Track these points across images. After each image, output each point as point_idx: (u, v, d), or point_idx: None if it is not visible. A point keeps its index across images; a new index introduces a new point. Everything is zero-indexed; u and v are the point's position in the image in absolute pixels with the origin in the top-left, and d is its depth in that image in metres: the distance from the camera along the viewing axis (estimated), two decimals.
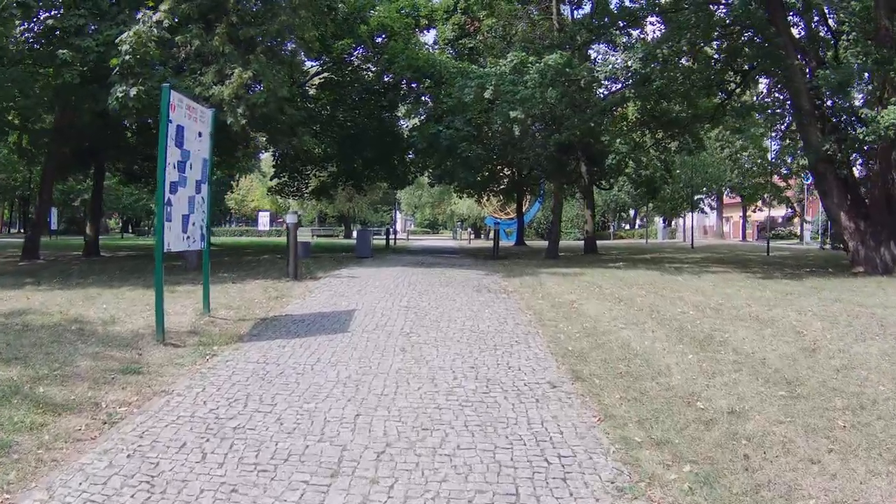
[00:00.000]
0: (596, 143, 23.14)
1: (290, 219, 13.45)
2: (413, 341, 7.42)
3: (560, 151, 20.55)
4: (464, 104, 18.51)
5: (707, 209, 51.61)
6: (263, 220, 62.57)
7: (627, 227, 72.95)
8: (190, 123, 7.69)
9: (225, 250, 28.92)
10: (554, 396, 5.47)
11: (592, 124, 18.30)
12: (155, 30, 12.57)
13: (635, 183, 30.21)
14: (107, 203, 51.96)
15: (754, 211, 62.77)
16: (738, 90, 25.81)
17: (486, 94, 16.71)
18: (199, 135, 8.07)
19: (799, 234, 62.72)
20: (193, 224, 8.01)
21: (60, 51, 13.57)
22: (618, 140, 25.86)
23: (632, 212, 69.15)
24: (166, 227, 7.10)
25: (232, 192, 78.19)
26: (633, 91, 17.90)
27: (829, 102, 18.38)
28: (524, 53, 17.24)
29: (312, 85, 28.85)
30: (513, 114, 15.86)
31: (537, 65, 16.18)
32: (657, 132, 27.00)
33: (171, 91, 7.14)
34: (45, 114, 18.90)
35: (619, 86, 23.41)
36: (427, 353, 6.89)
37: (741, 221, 63.54)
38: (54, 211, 49.73)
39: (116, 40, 12.65)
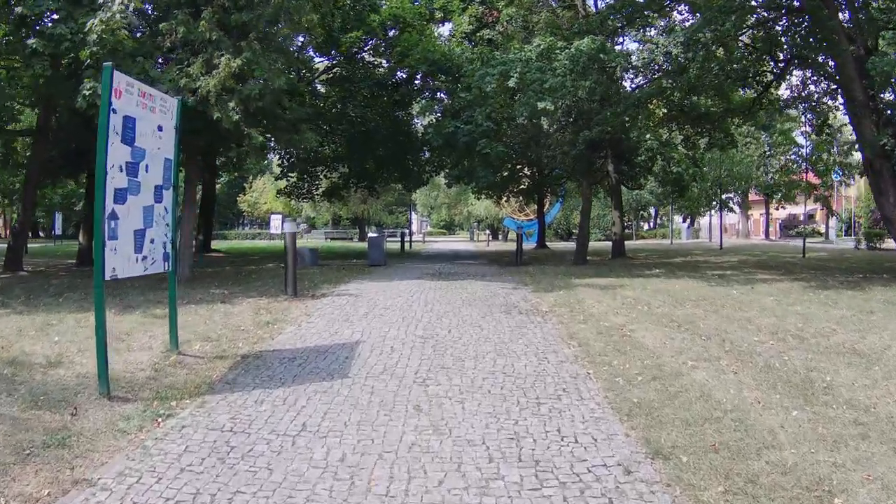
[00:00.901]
0: (625, 139, 21.36)
1: (287, 227, 11.76)
2: (431, 393, 5.72)
3: (589, 149, 18.76)
4: (484, 95, 16.78)
5: (736, 207, 49.55)
6: (275, 223, 60.99)
7: (646, 226, 70.74)
8: (145, 114, 6.04)
9: (229, 257, 27.43)
10: (632, 492, 3.78)
11: (627, 118, 16.49)
12: (118, 16, 10.95)
13: (663, 181, 28.35)
14: None
15: (777, 208, 60.89)
16: (773, 82, 24.05)
17: (511, 83, 14.91)
18: (160, 129, 6.40)
19: (823, 231, 60.78)
20: (153, 241, 6.33)
21: (30, 40, 12.02)
22: (648, 136, 24.12)
23: (651, 210, 66.89)
24: (108, 247, 5.43)
25: (245, 195, 76.95)
26: (670, 81, 16.08)
27: (884, 94, 16.74)
28: (552, 38, 15.48)
29: (322, 81, 27.30)
30: (541, 105, 14.06)
31: (567, 50, 14.39)
32: (685, 128, 25.27)
33: (116, 72, 5.50)
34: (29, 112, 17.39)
35: (647, 77, 21.73)
36: (449, 412, 5.19)
37: (762, 219, 61.65)
38: (59, 216, 48.81)
39: (86, 28, 11.08)
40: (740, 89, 24.53)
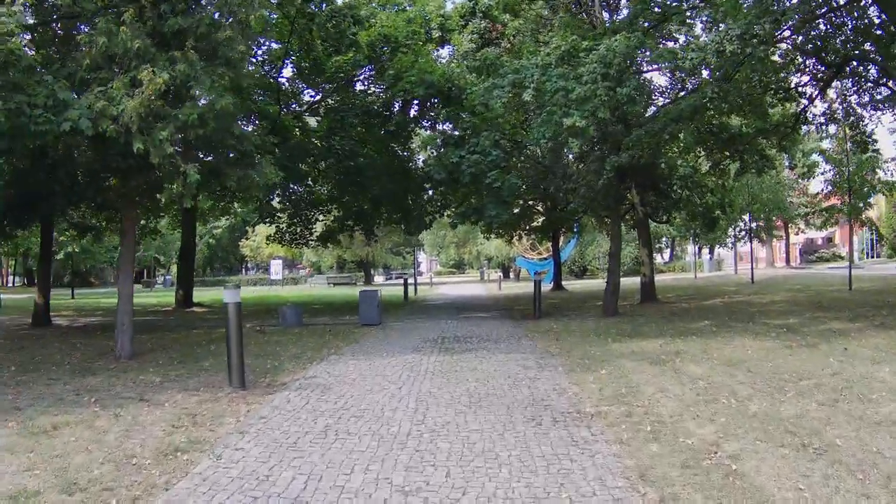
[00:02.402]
0: (654, 167, 18.36)
1: (227, 296, 8.62)
2: None
3: (617, 178, 15.68)
4: (492, 116, 13.78)
5: (763, 236, 46.32)
6: (275, 268, 58.05)
7: (658, 258, 67.00)
8: None
9: (212, 312, 24.42)
10: None
11: (667, 135, 13.42)
12: (6, 18, 8.08)
13: (690, 215, 25.14)
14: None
15: (797, 234, 57.69)
16: (820, 92, 21.18)
17: (526, 96, 11.81)
18: None
19: (844, 255, 57.40)
20: None
21: None
22: (679, 163, 21.18)
23: (663, 240, 63.15)
24: None
25: (247, 239, 74.34)
26: (715, 90, 13.05)
27: None
28: (575, 37, 12.45)
29: (314, 114, 24.58)
30: (568, 121, 10.94)
31: (596, 51, 11.32)
32: (714, 152, 22.31)
33: None
34: None
35: (683, 86, 18.84)
36: None
37: (780, 245, 58.60)
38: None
39: None
40: (779, 104, 21.78)
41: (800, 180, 52.14)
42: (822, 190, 34.17)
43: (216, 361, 11.14)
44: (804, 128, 24.12)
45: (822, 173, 39.31)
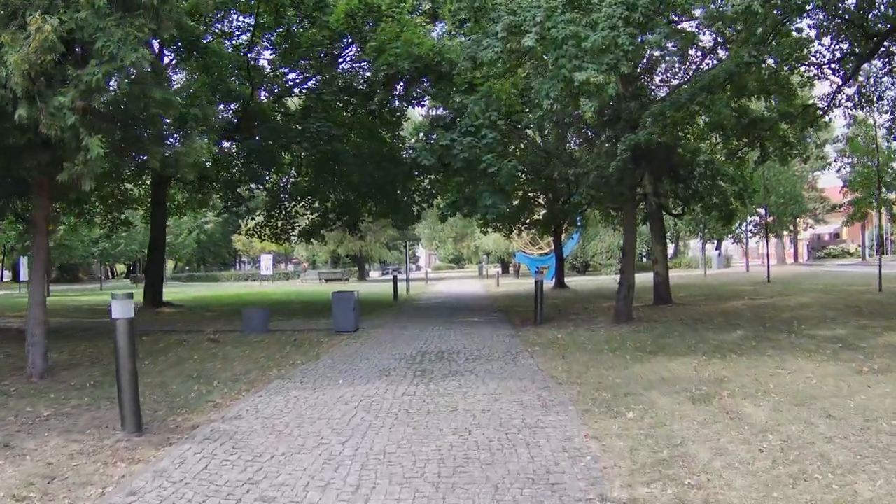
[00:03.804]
0: (673, 150, 15.96)
1: (116, 309, 6.24)
2: None
3: (632, 162, 13.25)
4: (480, 80, 11.36)
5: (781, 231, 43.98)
6: (266, 262, 55.72)
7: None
8: None
9: (182, 312, 22.12)
10: None
11: (698, 106, 11.01)
12: None
13: (705, 207, 22.68)
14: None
15: (805, 229, 55.36)
16: (859, 68, 18.87)
17: (527, 41, 9.13)
18: None
19: (851, 251, 55.18)
20: None
21: None
22: (701, 146, 18.83)
23: (667, 234, 60.43)
24: None
25: (240, 233, 72.01)
26: (753, 54, 10.66)
27: None
28: None
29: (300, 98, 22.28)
30: (580, 75, 8.48)
31: None
32: (731, 138, 19.93)
33: None
34: None
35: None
36: None
37: (787, 240, 56.35)
38: (24, 260, 44.23)
39: None
40: (808, 83, 19.46)
41: (813, 173, 49.88)
42: (846, 178, 32.00)
43: (150, 379, 8.85)
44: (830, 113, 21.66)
45: (839, 165, 36.82)
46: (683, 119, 12.24)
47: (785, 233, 52.32)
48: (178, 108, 9.39)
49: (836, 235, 64.46)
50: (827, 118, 21.22)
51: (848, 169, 35.11)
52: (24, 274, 43.31)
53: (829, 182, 61.74)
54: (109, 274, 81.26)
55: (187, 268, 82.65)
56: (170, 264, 78.67)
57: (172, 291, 41.70)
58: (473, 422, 6.51)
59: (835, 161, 35.90)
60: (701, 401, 7.08)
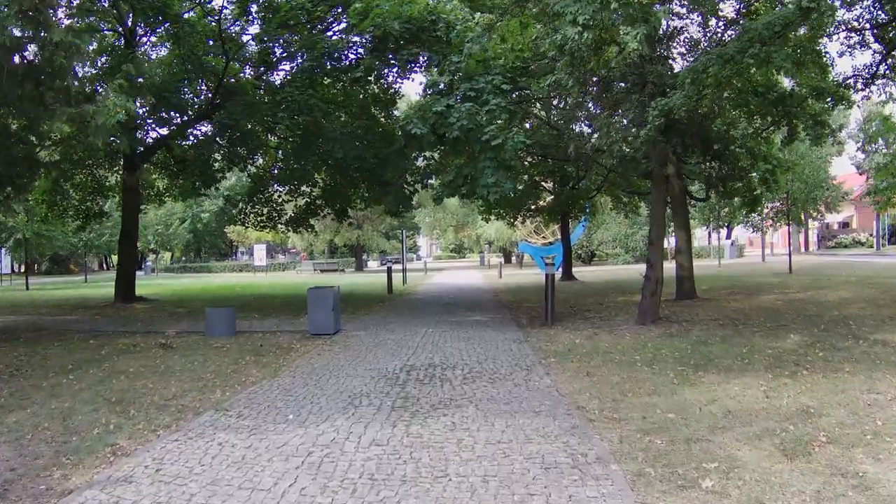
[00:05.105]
0: (708, 121, 13.75)
1: None
2: None
3: (663, 132, 11.02)
4: (478, 38, 9.14)
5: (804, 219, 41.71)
6: (259, 253, 53.59)
7: (667, 243, 61.72)
8: None
9: (157, 307, 20.03)
10: None
11: (752, 59, 8.79)
12: None
13: (727, 192, 20.47)
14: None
15: (814, 218, 53.16)
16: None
17: None
18: None
19: (863, 241, 53.02)
20: None
21: None
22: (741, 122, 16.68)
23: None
24: None
25: (234, 224, 69.74)
26: (812, 1, 8.51)
27: None
28: None
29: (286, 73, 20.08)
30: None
31: None
32: (756, 116, 17.74)
33: None
34: None
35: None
36: None
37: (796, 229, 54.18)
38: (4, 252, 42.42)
39: None
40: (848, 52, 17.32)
41: (830, 158, 47.70)
42: (859, 164, 29.82)
43: (29, 415, 6.73)
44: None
45: (868, 150, 34.56)
46: (728, 80, 10.00)
47: (812, 220, 50.21)
48: (89, 55, 7.21)
49: (846, 224, 62.44)
50: (865, 94, 18.93)
51: (864, 155, 32.98)
52: (5, 267, 41.45)
53: (841, 169, 59.81)
54: (105, 265, 79.12)
55: (183, 258, 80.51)
56: (166, 255, 76.53)
57: (156, 283, 39.59)
58: None
59: (862, 144, 33.54)
60: (797, 452, 4.91)
